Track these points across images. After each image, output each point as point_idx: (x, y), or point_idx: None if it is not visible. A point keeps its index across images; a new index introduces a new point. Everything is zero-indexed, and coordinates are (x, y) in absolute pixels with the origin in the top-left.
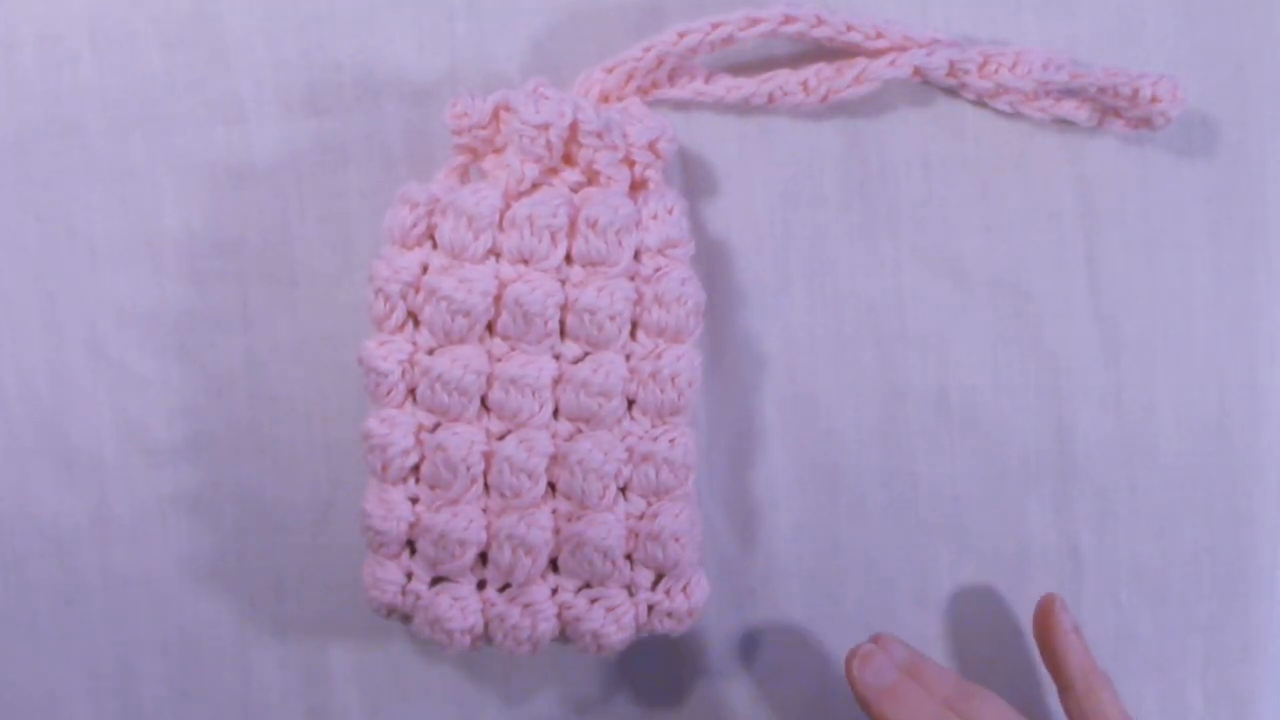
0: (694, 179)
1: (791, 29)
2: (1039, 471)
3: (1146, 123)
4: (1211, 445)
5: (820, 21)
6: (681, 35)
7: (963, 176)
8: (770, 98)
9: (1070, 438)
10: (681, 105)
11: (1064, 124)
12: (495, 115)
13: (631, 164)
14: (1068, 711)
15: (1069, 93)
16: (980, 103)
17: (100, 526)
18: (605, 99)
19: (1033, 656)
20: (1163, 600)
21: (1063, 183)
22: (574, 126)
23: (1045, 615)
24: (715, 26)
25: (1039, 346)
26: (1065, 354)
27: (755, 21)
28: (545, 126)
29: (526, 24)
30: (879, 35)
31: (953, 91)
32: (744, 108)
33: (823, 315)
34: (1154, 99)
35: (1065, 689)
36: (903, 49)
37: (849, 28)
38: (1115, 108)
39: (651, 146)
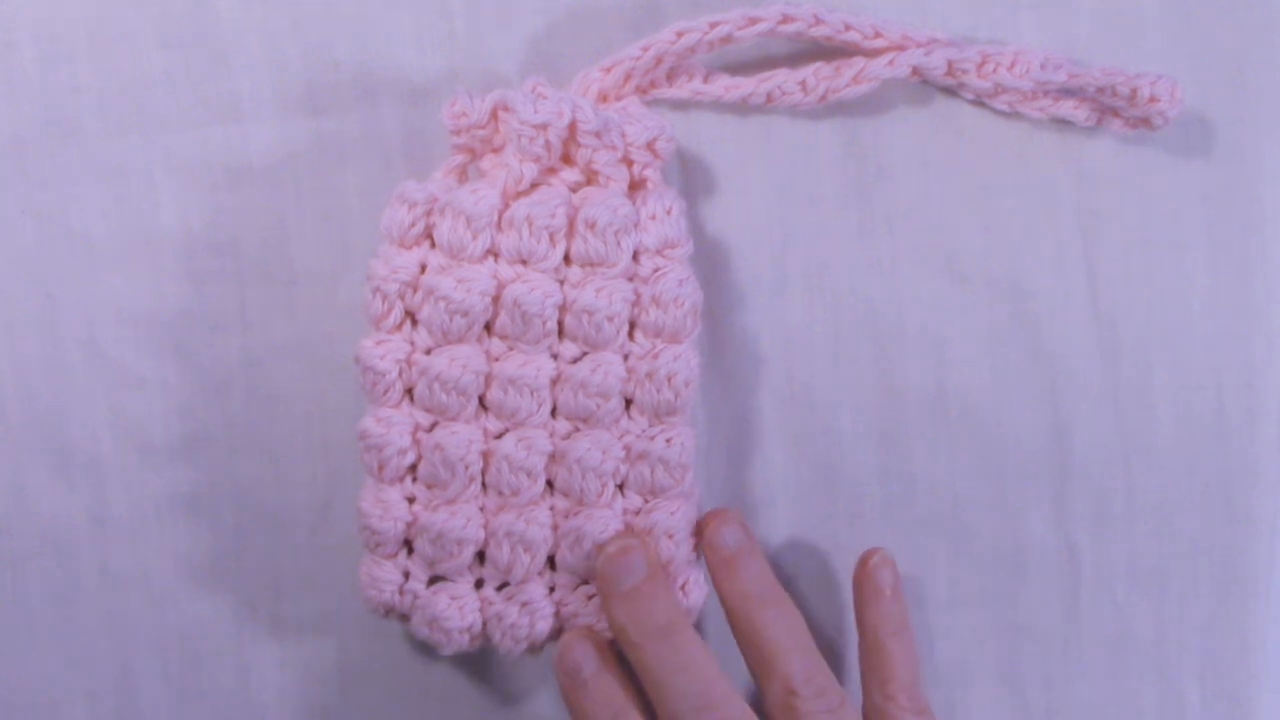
0: (692, 178)
1: (789, 28)
2: (1037, 471)
3: (1145, 122)
4: (1209, 444)
5: (818, 21)
6: (680, 34)
7: (961, 176)
8: (769, 97)
9: (1068, 437)
10: (680, 105)
11: (1062, 123)
12: (493, 115)
13: (630, 163)
14: (859, 658)
15: (1067, 92)
16: (978, 102)
17: (98, 526)
18: (603, 98)
19: (1031, 655)
20: (1160, 599)
21: (1061, 182)
22: (572, 126)
23: (860, 566)
24: (713, 26)
25: (1037, 346)
26: (1063, 353)
27: (753, 21)
28: (543, 126)
29: (525, 23)
30: (877, 35)
31: (951, 91)
32: (742, 107)
33: (821, 314)
34: (1152, 99)
35: (859, 635)
36: (901, 48)
37: (847, 27)
38: (1113, 107)
39: (650, 146)
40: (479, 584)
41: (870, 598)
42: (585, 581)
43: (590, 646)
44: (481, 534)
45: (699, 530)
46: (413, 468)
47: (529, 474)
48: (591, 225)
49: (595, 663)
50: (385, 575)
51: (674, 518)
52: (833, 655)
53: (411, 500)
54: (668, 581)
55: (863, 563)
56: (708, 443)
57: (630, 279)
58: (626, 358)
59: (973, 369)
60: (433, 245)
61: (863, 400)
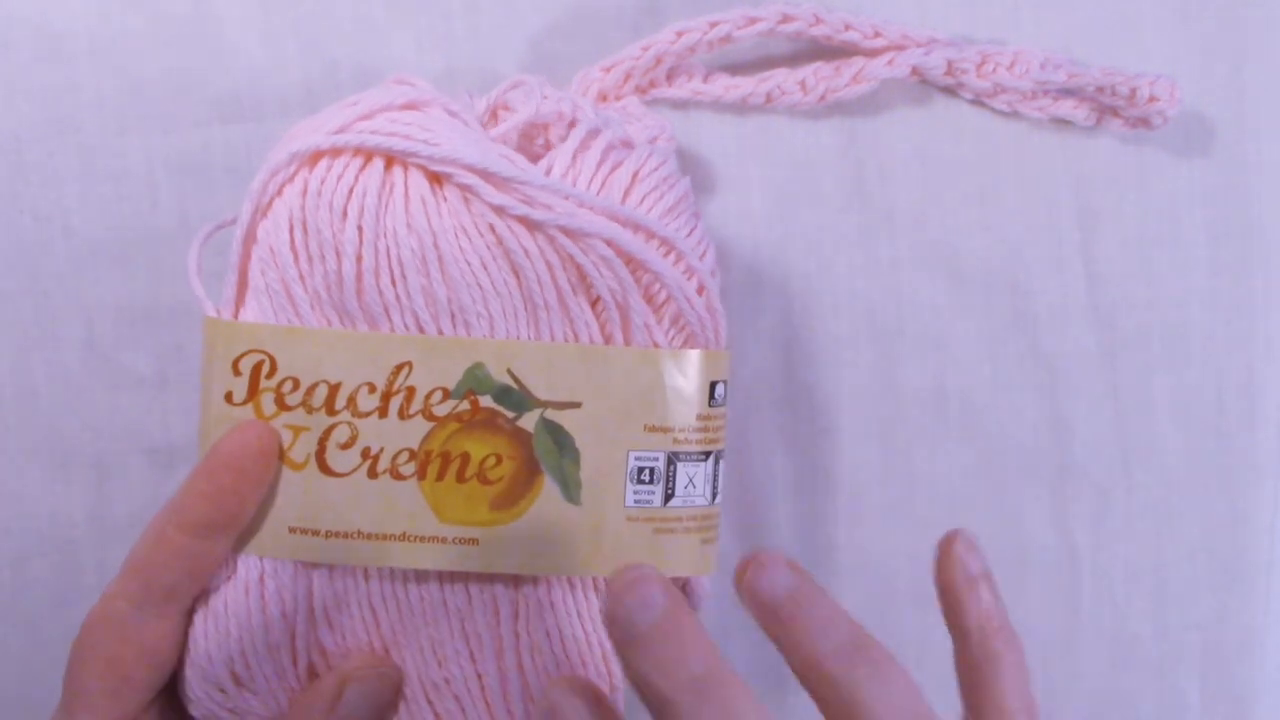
0: (692, 178)
1: (789, 28)
2: (1037, 471)
3: (1144, 122)
4: (1209, 444)
5: (818, 20)
6: (679, 34)
7: (961, 176)
8: (768, 97)
9: (1068, 437)
10: (679, 104)
11: (1062, 123)
12: (493, 114)
13: None
14: (958, 671)
15: (1067, 92)
16: (978, 102)
17: (98, 526)
18: (603, 98)
19: (1031, 655)
20: (1160, 599)
21: (1060, 182)
22: (572, 126)
23: (944, 554)
24: (713, 25)
25: (1037, 346)
26: (1063, 353)
27: (753, 20)
28: (544, 126)
29: (524, 23)
30: (876, 34)
31: (951, 91)
32: (742, 107)
33: (820, 314)
34: (1152, 98)
35: (958, 642)
36: (900, 48)
37: (846, 26)
38: (1113, 107)
39: (650, 145)
40: None
41: (966, 593)
42: None
43: (583, 700)
44: None
45: (736, 579)
46: None
47: None
48: None
49: (665, 602)
50: None
51: None
52: None
53: None
54: (696, 616)
55: (947, 551)
56: None
57: None
58: None
59: (972, 369)
60: None
61: (862, 400)
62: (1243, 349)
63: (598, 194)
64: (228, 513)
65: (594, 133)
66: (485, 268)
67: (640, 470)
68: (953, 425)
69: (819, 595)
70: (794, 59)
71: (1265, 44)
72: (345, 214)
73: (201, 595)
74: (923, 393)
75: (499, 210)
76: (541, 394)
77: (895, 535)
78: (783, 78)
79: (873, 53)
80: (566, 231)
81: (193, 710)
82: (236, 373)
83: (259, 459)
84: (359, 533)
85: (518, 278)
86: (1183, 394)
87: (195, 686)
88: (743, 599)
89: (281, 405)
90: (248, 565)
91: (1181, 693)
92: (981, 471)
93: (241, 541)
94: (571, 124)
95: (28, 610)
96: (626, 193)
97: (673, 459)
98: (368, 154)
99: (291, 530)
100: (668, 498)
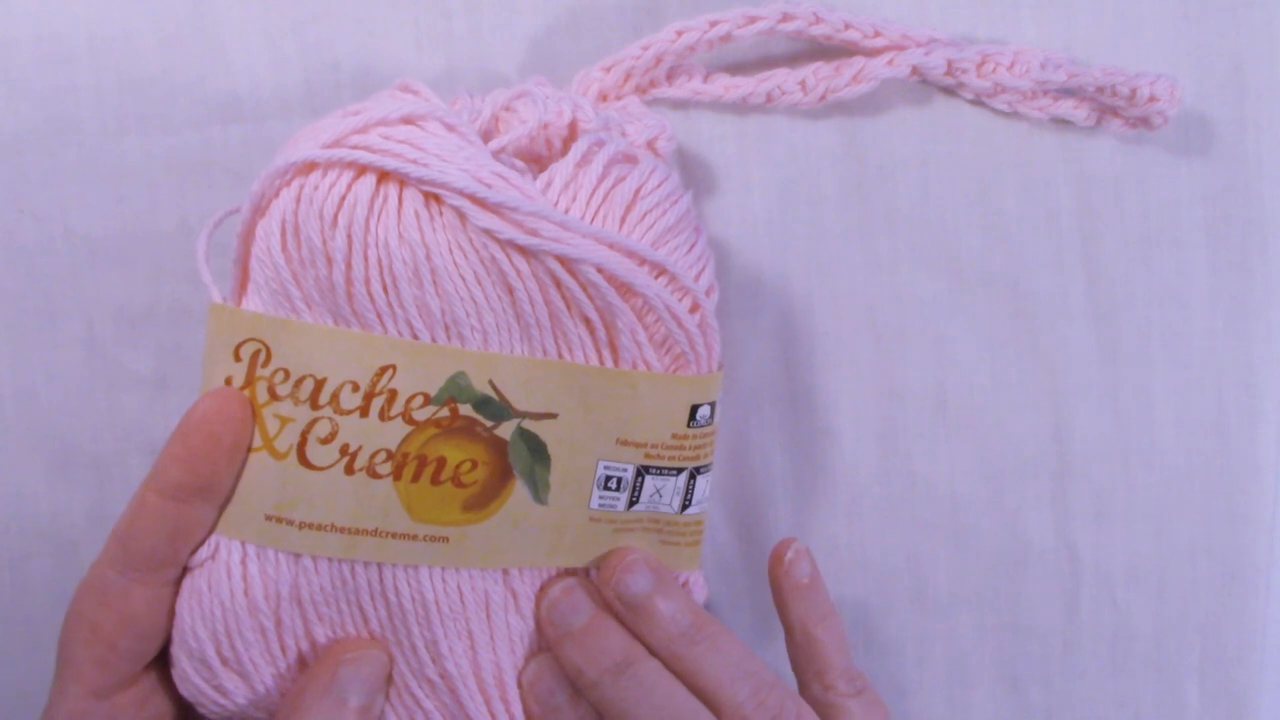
0: (692, 178)
1: (789, 27)
2: (1037, 471)
3: (1144, 122)
4: (1209, 444)
5: (818, 19)
6: (679, 33)
7: (960, 176)
8: (768, 97)
9: (1068, 437)
10: (679, 104)
11: (1062, 123)
12: (494, 114)
13: None
14: (789, 652)
15: (1067, 92)
16: (978, 102)
17: (98, 526)
18: (603, 98)
19: (1031, 655)
20: (1160, 599)
21: (1060, 182)
22: (572, 125)
23: (776, 560)
24: (713, 24)
25: (1036, 346)
26: (1063, 353)
27: (753, 19)
28: (544, 126)
29: (524, 23)
30: (877, 34)
31: (951, 91)
32: (742, 107)
33: (820, 314)
34: (1152, 98)
35: (786, 632)
36: (900, 48)
37: (847, 26)
38: (1113, 107)
39: (650, 145)
40: None
41: (792, 593)
42: None
43: (584, 593)
44: None
45: (602, 577)
46: None
47: None
48: None
49: (591, 608)
50: None
51: None
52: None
53: None
54: (614, 619)
55: (778, 559)
56: None
57: None
58: None
59: (972, 369)
60: None
61: (862, 400)
62: (1243, 349)
63: (598, 209)
64: (200, 476)
65: (597, 146)
66: (479, 283)
67: (608, 479)
68: (952, 425)
69: (671, 590)
70: (794, 59)
71: (1265, 44)
72: (335, 222)
73: (188, 572)
74: (922, 392)
75: (488, 232)
76: (520, 405)
77: (895, 535)
78: (783, 78)
79: (873, 52)
80: (554, 256)
81: (180, 686)
82: (237, 358)
83: (230, 424)
84: (332, 526)
85: (511, 295)
86: (1182, 393)
87: (181, 660)
88: (606, 595)
89: (273, 395)
90: (230, 548)
91: (1181, 693)
92: (981, 471)
93: (220, 523)
94: (572, 125)
95: (28, 610)
96: (628, 209)
97: (642, 471)
98: (360, 167)
99: (268, 518)
100: (632, 504)
